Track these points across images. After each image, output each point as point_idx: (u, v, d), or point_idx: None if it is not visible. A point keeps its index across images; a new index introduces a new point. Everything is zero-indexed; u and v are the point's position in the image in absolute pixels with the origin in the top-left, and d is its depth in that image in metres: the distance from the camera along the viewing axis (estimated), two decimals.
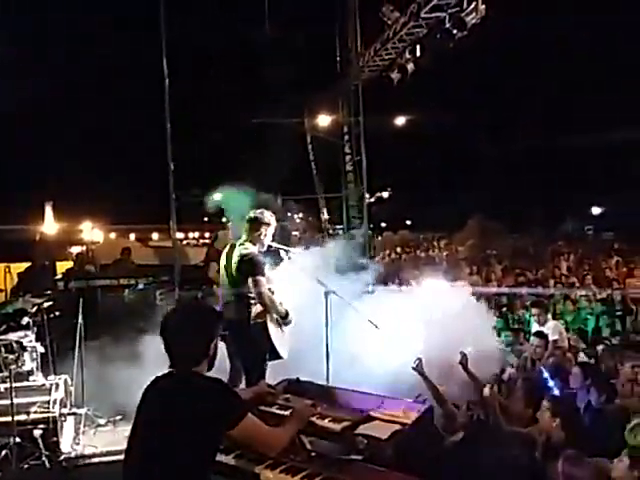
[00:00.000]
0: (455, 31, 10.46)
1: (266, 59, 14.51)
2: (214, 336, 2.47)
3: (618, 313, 8.56)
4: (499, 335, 6.50)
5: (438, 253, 18.78)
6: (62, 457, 4.84)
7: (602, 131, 20.76)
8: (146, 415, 2.37)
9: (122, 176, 22.55)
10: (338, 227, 18.46)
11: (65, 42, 18.31)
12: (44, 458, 4.69)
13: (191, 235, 32.19)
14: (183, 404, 2.30)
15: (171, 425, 2.26)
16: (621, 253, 14.81)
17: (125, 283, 9.07)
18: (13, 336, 5.31)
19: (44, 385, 5.02)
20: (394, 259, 17.95)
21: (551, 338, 6.14)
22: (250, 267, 4.46)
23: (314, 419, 2.89)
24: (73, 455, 4.96)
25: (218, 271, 4.86)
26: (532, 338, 6.20)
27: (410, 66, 12.46)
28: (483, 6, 10.16)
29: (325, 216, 18.60)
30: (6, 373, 4.85)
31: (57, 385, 5.05)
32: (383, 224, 30.44)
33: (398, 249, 20.12)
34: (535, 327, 6.68)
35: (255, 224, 4.69)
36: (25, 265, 10.88)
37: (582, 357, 6.08)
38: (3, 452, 4.58)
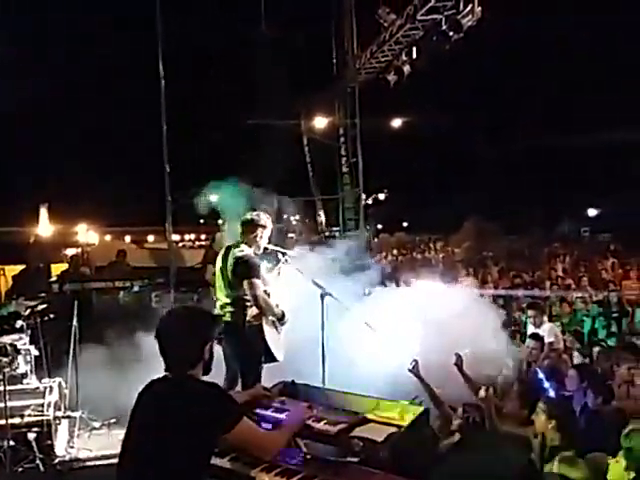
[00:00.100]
0: (451, 33, 10.51)
1: (264, 60, 14.53)
2: (209, 339, 2.46)
3: (614, 315, 8.57)
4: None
5: (434, 255, 18.78)
6: (56, 460, 4.81)
7: (601, 131, 20.81)
8: (141, 419, 2.36)
9: (119, 177, 22.53)
10: (334, 229, 18.49)
11: (65, 42, 18.33)
12: (38, 461, 4.66)
13: (187, 237, 32.20)
14: (178, 408, 2.28)
15: (166, 429, 2.25)
16: (617, 255, 14.82)
17: (120, 285, 9.01)
18: (7, 339, 5.27)
19: (38, 388, 4.99)
20: (390, 261, 17.94)
21: (547, 340, 6.13)
22: (245, 269, 4.43)
23: (310, 422, 2.88)
24: (67, 458, 4.93)
25: (214, 273, 4.85)
26: (528, 340, 6.20)
27: (406, 68, 12.50)
28: (479, 8, 10.22)
29: (322, 218, 18.62)
30: (0, 376, 4.82)
31: (51, 388, 5.01)
32: (379, 226, 30.49)
33: (394, 251, 20.12)
34: (531, 329, 6.67)
35: (251, 226, 4.67)
36: (20, 267, 10.84)
37: (577, 357, 6.10)
38: None
